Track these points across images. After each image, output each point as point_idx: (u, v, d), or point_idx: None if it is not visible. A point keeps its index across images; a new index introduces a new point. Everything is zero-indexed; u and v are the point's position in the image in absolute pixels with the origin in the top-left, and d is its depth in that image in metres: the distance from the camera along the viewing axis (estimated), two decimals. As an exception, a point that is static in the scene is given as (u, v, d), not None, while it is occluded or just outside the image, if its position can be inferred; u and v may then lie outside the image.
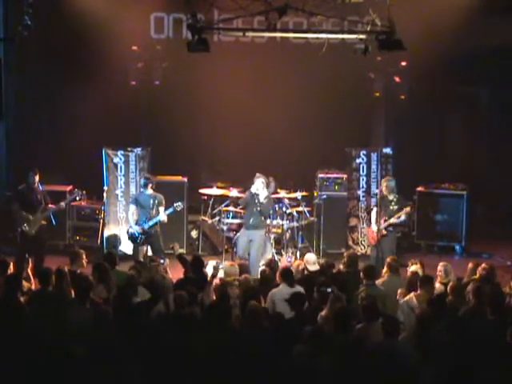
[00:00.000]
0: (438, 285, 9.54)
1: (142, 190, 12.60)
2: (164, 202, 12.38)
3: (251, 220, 12.56)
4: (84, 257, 10.21)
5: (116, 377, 6.74)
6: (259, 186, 12.47)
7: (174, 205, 12.43)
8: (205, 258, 11.64)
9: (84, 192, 13.63)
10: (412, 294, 8.89)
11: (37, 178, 12.28)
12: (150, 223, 12.19)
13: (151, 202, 12.27)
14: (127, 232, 12.55)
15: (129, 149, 14.44)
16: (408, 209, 12.59)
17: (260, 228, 12.65)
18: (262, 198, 12.49)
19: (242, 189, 14.44)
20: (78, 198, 13.08)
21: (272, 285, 9.48)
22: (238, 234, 13.06)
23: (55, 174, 14.19)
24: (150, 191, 12.37)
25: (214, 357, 6.98)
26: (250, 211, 12.58)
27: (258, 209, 12.44)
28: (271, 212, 13.19)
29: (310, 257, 10.73)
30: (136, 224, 12.28)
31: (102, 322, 7.64)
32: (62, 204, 12.54)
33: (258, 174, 12.76)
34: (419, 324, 7.57)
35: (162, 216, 12.25)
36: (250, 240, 12.48)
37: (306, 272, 10.33)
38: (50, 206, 12.31)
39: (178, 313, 7.88)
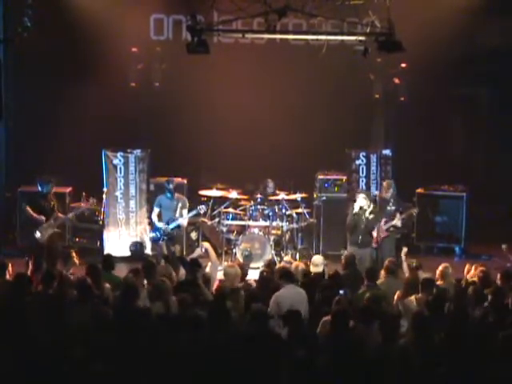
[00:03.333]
0: None
1: (166, 192, 12.63)
2: (187, 205, 12.58)
3: (360, 238, 12.16)
4: (74, 255, 10.23)
5: (116, 378, 6.74)
6: (362, 203, 12.12)
7: (198, 207, 12.68)
8: (204, 260, 11.62)
9: (84, 193, 13.66)
10: (412, 297, 8.86)
11: (53, 188, 12.28)
12: (172, 225, 12.35)
13: (175, 204, 12.40)
14: (150, 235, 12.66)
15: (128, 150, 14.45)
16: (415, 210, 12.68)
17: (369, 245, 12.22)
18: (367, 214, 12.15)
19: (241, 190, 14.47)
20: (91, 204, 12.98)
21: (271, 286, 9.45)
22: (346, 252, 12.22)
23: (55, 176, 14.18)
24: (174, 194, 12.50)
25: (214, 357, 6.97)
26: (358, 229, 12.19)
27: (363, 225, 12.12)
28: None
29: (317, 258, 10.60)
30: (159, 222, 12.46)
31: (102, 323, 7.64)
32: (71, 214, 12.59)
33: (358, 190, 12.80)
34: (413, 326, 7.57)
35: (183, 220, 12.47)
36: (359, 258, 11.50)
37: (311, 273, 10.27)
38: (60, 215, 12.26)
39: (182, 314, 7.88)
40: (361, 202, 12.17)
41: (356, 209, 12.15)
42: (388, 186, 12.73)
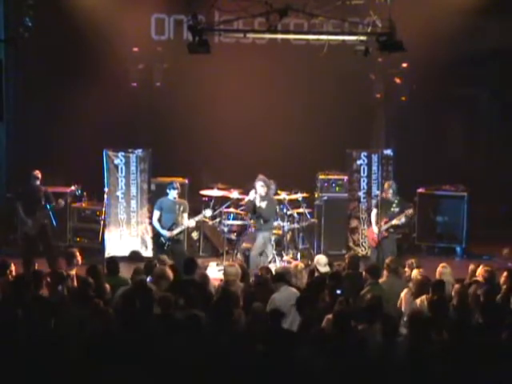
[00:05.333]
0: None
1: (169, 193, 12.49)
2: (188, 209, 12.47)
3: (260, 222, 12.76)
4: (78, 255, 10.26)
5: (116, 379, 6.74)
6: (259, 191, 12.57)
7: (203, 212, 12.55)
8: (206, 260, 11.69)
9: (85, 193, 13.67)
10: (424, 297, 8.85)
11: (39, 179, 12.36)
12: (178, 230, 12.23)
13: (176, 207, 12.30)
14: (154, 238, 12.58)
15: (129, 150, 14.45)
16: (411, 211, 12.61)
17: (262, 230, 12.73)
18: (258, 203, 12.59)
19: (242, 190, 14.46)
20: (77, 193, 12.99)
21: (268, 288, 9.44)
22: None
23: (56, 176, 14.19)
24: (174, 197, 12.39)
25: (215, 358, 6.97)
26: (257, 215, 12.71)
27: (257, 213, 12.63)
28: (275, 213, 13.21)
29: (321, 258, 10.58)
30: (163, 228, 12.32)
31: (102, 324, 7.64)
32: (61, 201, 12.59)
33: (259, 176, 12.78)
34: (409, 325, 7.59)
35: (191, 222, 12.39)
36: (253, 238, 12.73)
37: (316, 273, 10.27)
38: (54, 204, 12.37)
39: (170, 315, 7.89)
40: (258, 189, 12.57)
41: (251, 197, 12.57)
42: (388, 187, 12.70)
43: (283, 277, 9.44)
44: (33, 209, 12.24)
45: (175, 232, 12.24)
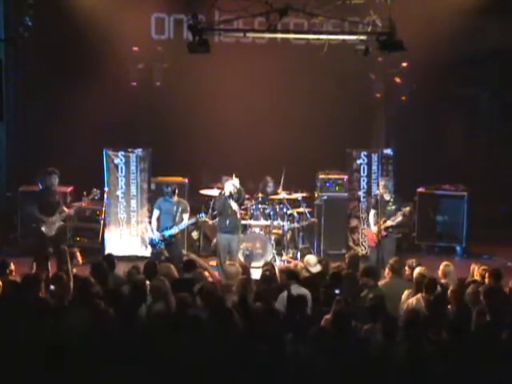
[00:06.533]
0: None
1: (165, 195, 12.40)
2: (188, 209, 12.34)
3: (227, 222, 12.40)
4: (78, 255, 10.27)
5: (117, 379, 6.74)
6: (231, 188, 12.31)
7: (197, 216, 12.45)
8: (206, 260, 11.64)
9: (85, 193, 13.67)
10: (419, 295, 8.85)
11: (57, 179, 12.20)
12: (171, 232, 12.13)
13: (175, 208, 12.21)
14: (148, 237, 12.55)
15: (129, 150, 14.44)
16: (408, 208, 12.60)
17: (236, 231, 12.49)
18: (232, 200, 12.34)
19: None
20: (96, 198, 12.92)
21: (273, 286, 9.45)
22: (215, 240, 12.90)
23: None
24: (174, 198, 12.29)
25: (214, 357, 6.97)
26: (225, 214, 12.41)
27: (233, 207, 12.28)
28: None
29: (311, 258, 10.62)
30: (157, 230, 12.23)
31: (103, 323, 7.63)
32: (75, 207, 12.55)
33: (225, 177, 12.69)
34: (404, 325, 7.58)
35: (178, 229, 12.20)
36: (228, 243, 12.31)
37: (307, 274, 10.27)
38: (64, 209, 12.20)
39: (182, 314, 7.89)
40: (230, 186, 12.29)
41: (227, 193, 12.31)
42: (382, 186, 12.67)
43: (296, 275, 9.43)
44: (52, 210, 12.05)
45: (166, 234, 12.16)
